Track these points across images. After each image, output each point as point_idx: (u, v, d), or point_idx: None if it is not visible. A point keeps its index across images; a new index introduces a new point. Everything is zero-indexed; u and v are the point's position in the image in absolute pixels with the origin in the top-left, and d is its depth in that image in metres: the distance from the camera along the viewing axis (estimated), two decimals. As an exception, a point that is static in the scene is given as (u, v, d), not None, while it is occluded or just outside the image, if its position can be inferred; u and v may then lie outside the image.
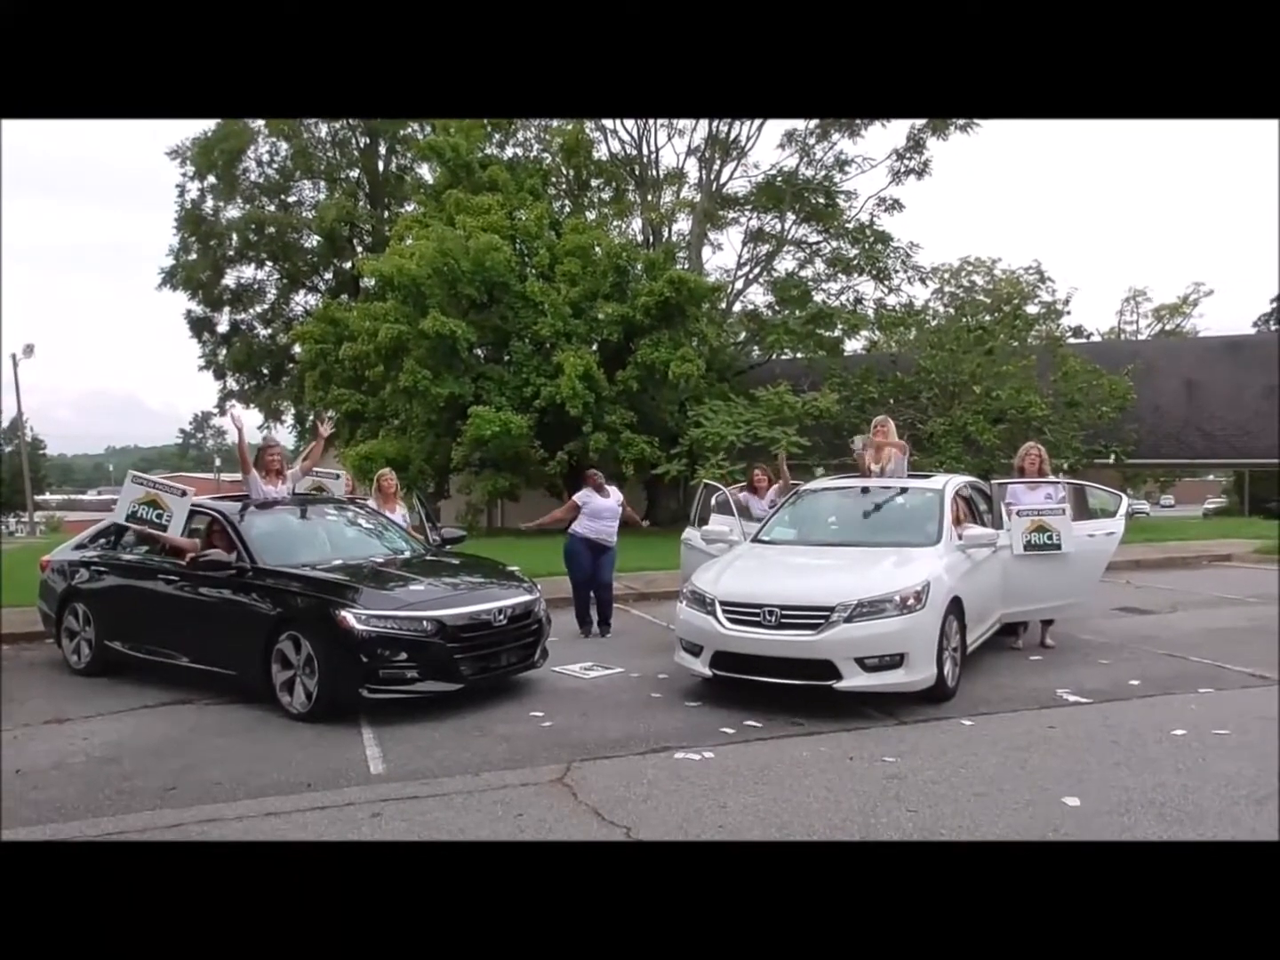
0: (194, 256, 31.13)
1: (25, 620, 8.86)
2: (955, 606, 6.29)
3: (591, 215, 23.59)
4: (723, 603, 6.17)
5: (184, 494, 7.07)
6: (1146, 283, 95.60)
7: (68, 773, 5.07)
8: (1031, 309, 20.94)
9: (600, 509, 8.60)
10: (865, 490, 7.73)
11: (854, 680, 5.80)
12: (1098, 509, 8.81)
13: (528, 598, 6.70)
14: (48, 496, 60.99)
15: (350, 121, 29.25)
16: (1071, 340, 23.85)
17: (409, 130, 29.21)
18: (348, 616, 5.86)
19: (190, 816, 4.37)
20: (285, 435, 33.77)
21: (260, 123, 29.23)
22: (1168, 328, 41.10)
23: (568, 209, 24.19)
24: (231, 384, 33.63)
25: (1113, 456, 19.33)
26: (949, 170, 51.38)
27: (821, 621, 5.83)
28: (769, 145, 39.57)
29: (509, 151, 24.42)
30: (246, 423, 7.00)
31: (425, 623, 5.99)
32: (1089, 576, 7.68)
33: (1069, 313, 21.72)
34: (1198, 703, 6.04)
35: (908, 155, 22.78)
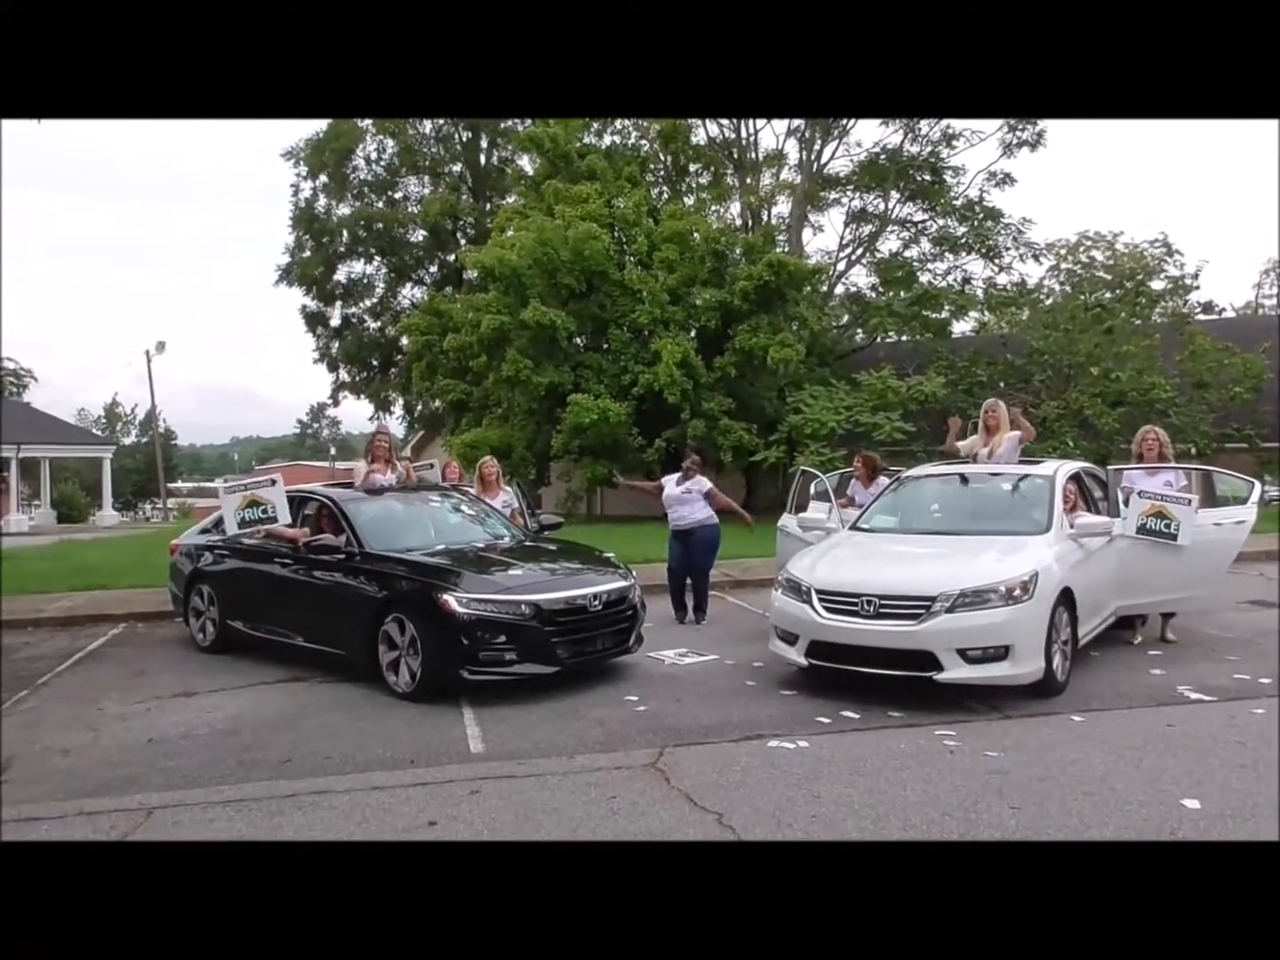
0: (308, 253, 32.49)
1: (158, 600, 9.48)
2: (1065, 597, 6.03)
3: (690, 201, 23.49)
4: (819, 591, 6.07)
5: (274, 482, 7.39)
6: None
7: (194, 743, 5.40)
8: (1156, 285, 19.71)
9: (670, 498, 8.66)
10: (971, 477, 7.48)
11: (955, 672, 5.62)
12: (1228, 496, 8.26)
13: (623, 584, 6.76)
14: (179, 484, 64.90)
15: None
16: (1201, 317, 22.40)
17: (509, 123, 29.70)
18: (449, 600, 6.03)
19: (303, 788, 4.59)
20: (394, 424, 35.06)
21: (368, 122, 30.25)
22: (1311, 301, 38.12)
23: (666, 195, 24.16)
24: (344, 375, 35.05)
25: (1246, 440, 18.10)
26: (1066, 141, 48.67)
27: (922, 611, 5.68)
28: (871, 123, 38.50)
29: (607, 140, 24.50)
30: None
31: (523, 606, 6.12)
32: (1215, 567, 7.20)
33: (1198, 287, 20.33)
34: (1337, 704, 5.62)
35: (1020, 127, 21.82)
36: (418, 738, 5.38)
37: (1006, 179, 22.65)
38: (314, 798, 4.46)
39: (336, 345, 34.06)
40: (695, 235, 20.72)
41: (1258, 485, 7.71)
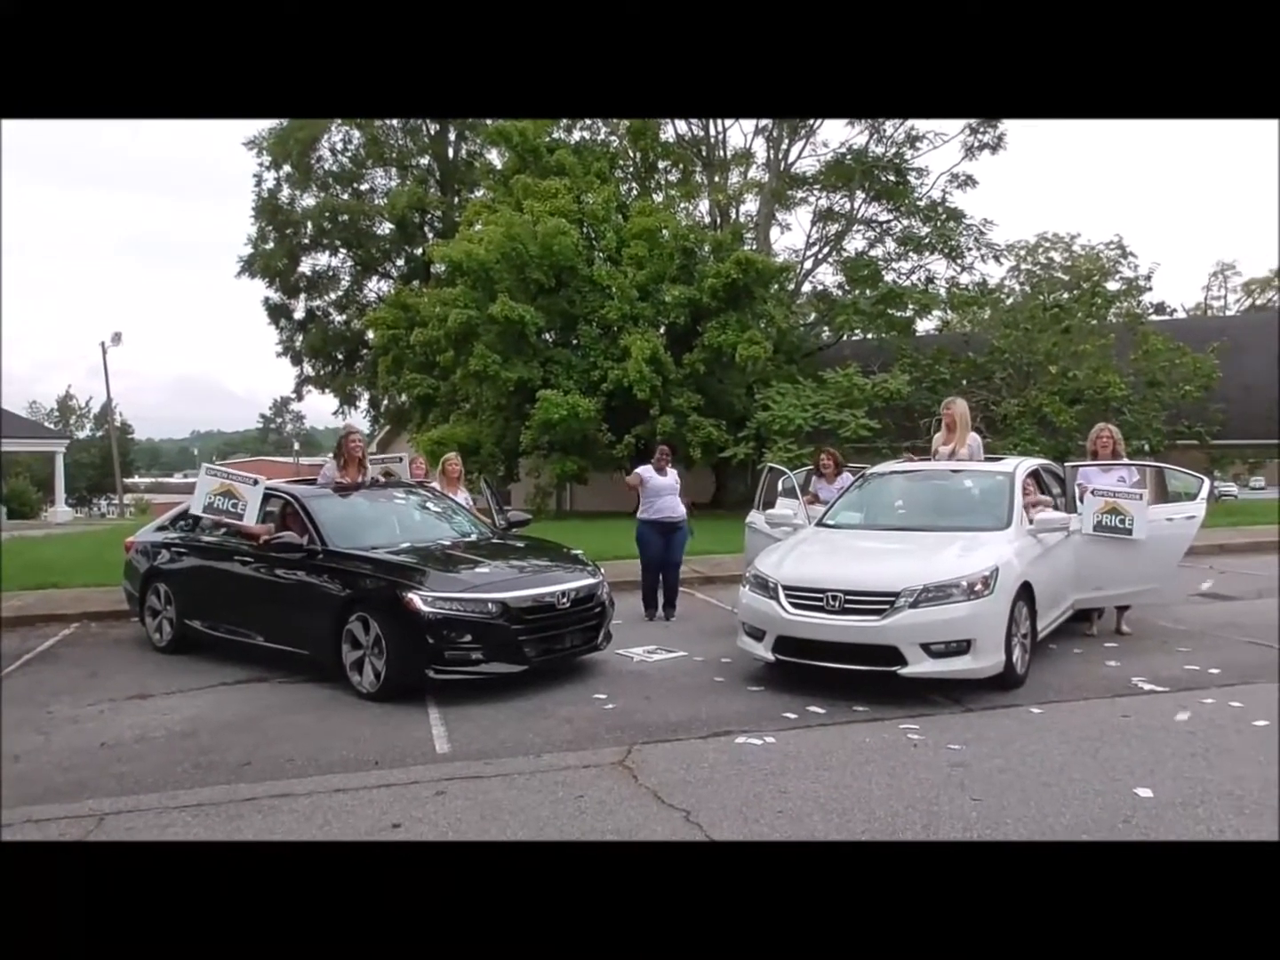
0: (271, 245, 32.00)
1: (112, 599, 9.29)
2: (1025, 592, 6.13)
3: (659, 198, 23.48)
4: (785, 587, 6.12)
5: (256, 483, 7.28)
6: (1236, 256, 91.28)
7: (149, 746, 5.30)
8: (1111, 285, 20.10)
9: (660, 487, 8.63)
10: (933, 474, 7.57)
11: (919, 666, 5.70)
12: (1179, 492, 8.46)
13: (591, 581, 6.75)
14: (136, 480, 63.68)
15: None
16: (1154, 317, 22.90)
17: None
18: (414, 598, 5.98)
19: (263, 791, 4.53)
20: (360, 420, 34.67)
21: (332, 113, 29.86)
22: (1259, 302, 39.11)
23: (635, 192, 24.12)
24: (308, 369, 34.60)
25: (1197, 438, 18.53)
26: (1025, 144, 49.52)
27: (886, 607, 5.74)
28: (838, 123, 38.76)
29: (576, 135, 24.42)
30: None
31: (490, 605, 6.08)
32: (1167, 561, 7.38)
33: (1151, 289, 20.75)
34: (1285, 695, 5.78)
35: (981, 130, 22.09)
36: (382, 738, 5.33)
37: (968, 181, 22.93)
38: (274, 801, 4.40)
39: (301, 338, 33.62)
40: (664, 232, 20.73)
41: (1207, 481, 7.92)
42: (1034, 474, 7.46)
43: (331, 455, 8.08)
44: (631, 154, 24.32)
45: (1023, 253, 20.85)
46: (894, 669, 5.72)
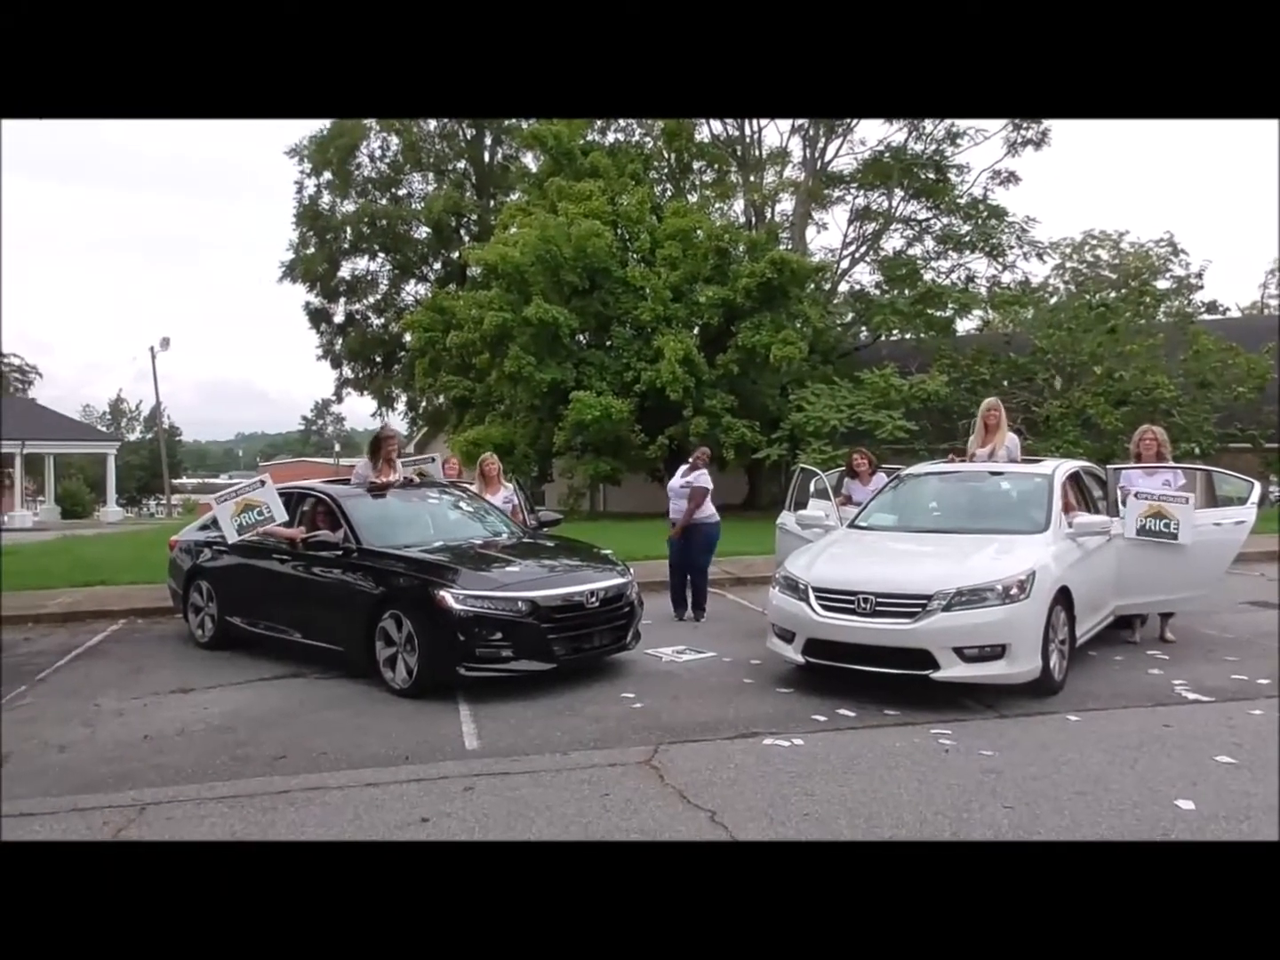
0: (312, 250, 32.52)
1: (157, 596, 9.49)
2: (1063, 597, 6.01)
3: (693, 198, 23.47)
4: (815, 589, 6.07)
5: (263, 483, 7.34)
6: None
7: (189, 739, 5.41)
8: (1161, 284, 19.64)
9: (670, 489, 8.68)
10: (970, 475, 7.46)
11: (952, 671, 5.61)
12: (1229, 496, 8.23)
13: (620, 581, 6.76)
14: (184, 480, 65.03)
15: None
16: (1205, 317, 22.30)
17: (513, 120, 29.68)
18: (446, 596, 6.04)
19: (297, 784, 4.61)
20: (398, 421, 35.07)
21: (371, 119, 30.25)
22: (1317, 301, 37.93)
23: (669, 193, 24.12)
24: (347, 372, 35.09)
25: (1249, 441, 18.03)
26: (1071, 140, 48.56)
27: (919, 609, 5.67)
28: (875, 121, 38.42)
29: (610, 137, 24.48)
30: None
31: (520, 603, 6.12)
32: (1214, 568, 7.17)
33: (1202, 287, 20.26)
34: (1335, 705, 5.60)
35: (1025, 126, 21.73)
36: (413, 734, 5.38)
37: (1011, 177, 22.57)
38: (308, 794, 4.47)
39: (340, 342, 34.10)
40: (698, 232, 20.69)
41: (1257, 485, 7.68)
42: (1074, 476, 7.31)
43: (367, 455, 8.16)
44: (666, 155, 24.32)
45: (1068, 250, 20.48)
46: (926, 673, 5.64)
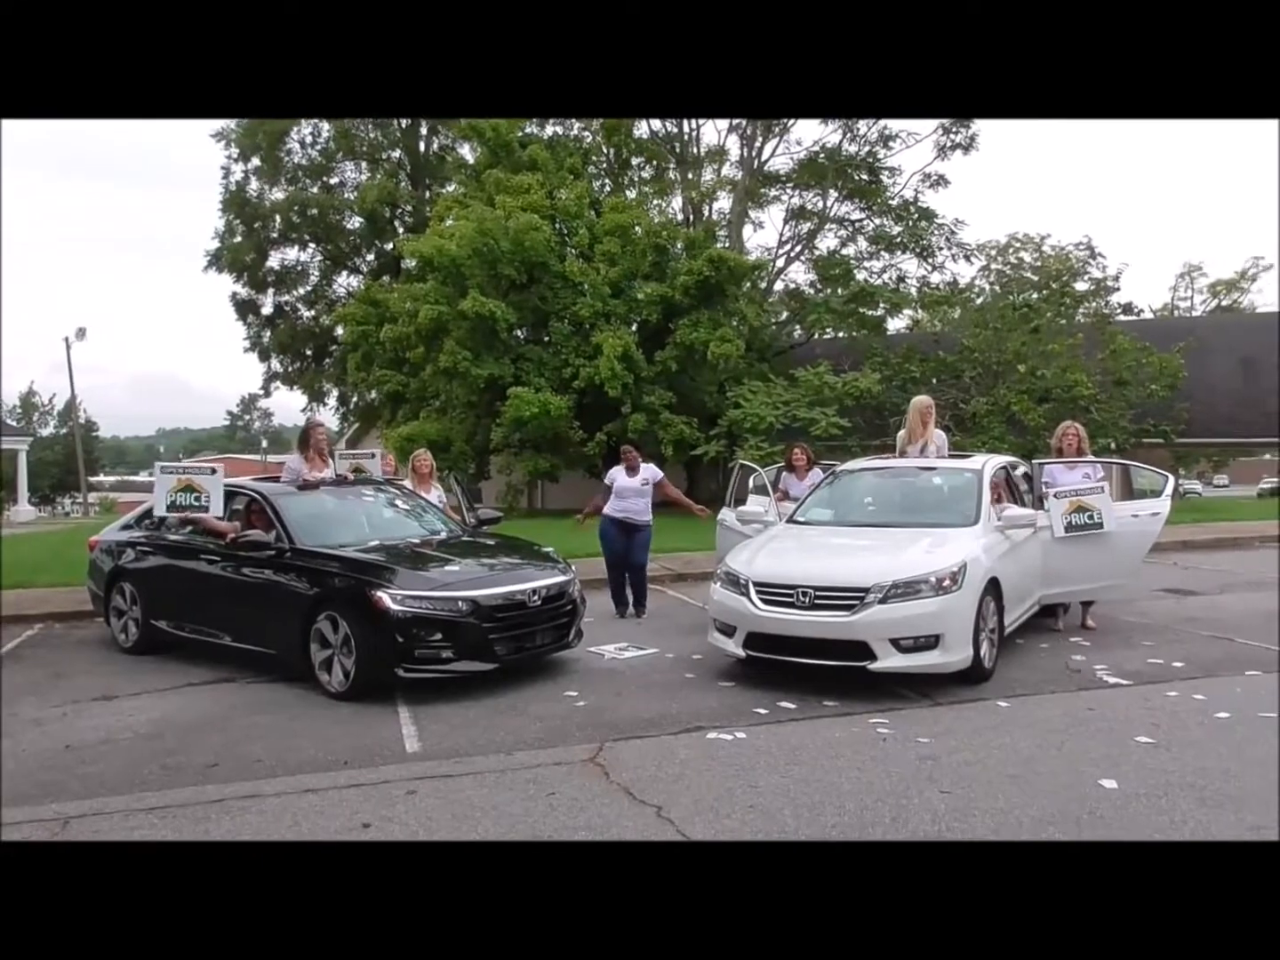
0: (239, 239, 31.52)
1: (76, 599, 9.12)
2: (993, 587, 6.20)
3: (632, 194, 23.50)
4: (756, 583, 6.14)
5: (214, 472, 7.19)
6: (1202, 258, 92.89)
7: (115, 748, 5.21)
8: (1080, 286, 20.41)
9: (623, 488, 8.58)
10: (902, 471, 7.64)
11: (888, 661, 5.75)
12: (1144, 489, 8.60)
13: (562, 578, 6.74)
14: (101, 478, 62.57)
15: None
16: (1121, 318, 23.22)
17: (448, 111, 29.26)
18: (383, 597, 5.93)
19: (231, 793, 4.47)
20: (329, 416, 34.32)
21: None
22: (1224, 304, 39.84)
23: (608, 188, 24.10)
24: (276, 366, 34.19)
25: (1162, 436, 18.85)
26: (997, 145, 49.95)
27: (856, 602, 5.78)
28: (811, 121, 38.95)
29: (549, 130, 24.34)
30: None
31: (460, 603, 6.05)
32: (1132, 557, 7.50)
33: (1119, 289, 21.13)
34: (1244, 685, 5.90)
35: (954, 130, 22.31)
36: (352, 738, 5.28)
37: (940, 180, 23.17)
38: (243, 802, 4.35)
39: (269, 334, 33.18)
40: (637, 229, 20.73)
41: (1171, 479, 8.06)
42: (1001, 471, 7.54)
43: (296, 449, 7.94)
44: (604, 150, 24.30)
45: (993, 252, 21.12)
46: (863, 664, 5.77)
